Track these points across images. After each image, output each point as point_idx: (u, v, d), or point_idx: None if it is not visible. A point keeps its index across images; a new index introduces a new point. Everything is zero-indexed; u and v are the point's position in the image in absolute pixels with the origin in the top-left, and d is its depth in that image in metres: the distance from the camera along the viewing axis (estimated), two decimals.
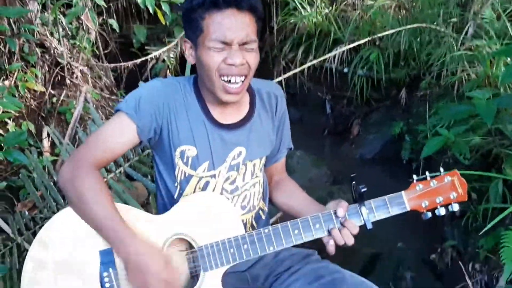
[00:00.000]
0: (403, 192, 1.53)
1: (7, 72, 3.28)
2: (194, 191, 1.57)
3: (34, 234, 2.50)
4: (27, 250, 2.46)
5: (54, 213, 2.57)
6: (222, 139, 1.56)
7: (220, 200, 1.55)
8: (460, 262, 2.81)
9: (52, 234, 1.43)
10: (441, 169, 1.57)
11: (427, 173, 1.57)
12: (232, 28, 1.40)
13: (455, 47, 4.03)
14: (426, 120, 4.16)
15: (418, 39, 4.61)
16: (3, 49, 3.29)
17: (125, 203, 2.47)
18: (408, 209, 1.52)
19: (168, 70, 5.41)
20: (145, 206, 3.32)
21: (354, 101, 5.23)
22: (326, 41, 5.45)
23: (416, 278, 2.74)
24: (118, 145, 1.51)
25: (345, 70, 5.20)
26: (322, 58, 4.33)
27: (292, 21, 5.67)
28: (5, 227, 2.73)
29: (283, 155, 1.80)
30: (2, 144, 2.43)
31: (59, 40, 3.73)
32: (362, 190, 1.51)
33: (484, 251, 2.47)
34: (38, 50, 3.50)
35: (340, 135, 5.24)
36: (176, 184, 1.57)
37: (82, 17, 3.74)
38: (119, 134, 1.50)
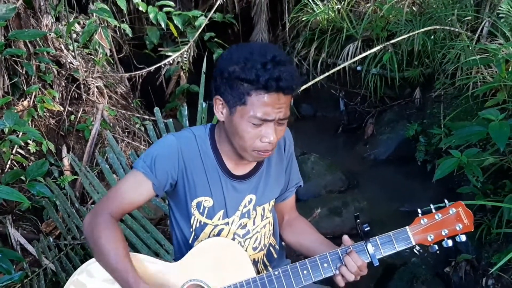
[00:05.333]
0: (407, 227, 1.56)
1: (25, 93, 3.36)
2: (209, 237, 1.64)
3: (59, 261, 2.62)
4: (52, 276, 2.59)
5: (76, 239, 2.68)
6: (235, 189, 1.63)
7: (230, 245, 1.61)
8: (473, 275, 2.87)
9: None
10: (446, 201, 1.59)
11: (431, 205, 1.59)
12: (275, 108, 1.43)
13: (469, 47, 3.99)
14: (440, 121, 4.16)
15: (432, 37, 4.56)
16: (20, 70, 3.36)
17: (143, 227, 2.59)
18: (414, 243, 1.55)
19: (182, 72, 5.46)
20: (164, 219, 3.42)
21: (368, 98, 5.21)
22: (339, 37, 5.41)
23: None
24: (136, 199, 1.59)
25: (358, 68, 5.16)
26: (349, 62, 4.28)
27: (304, 18, 5.62)
28: (31, 249, 2.85)
29: (291, 193, 1.84)
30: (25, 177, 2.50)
31: (73, 54, 3.79)
32: (366, 229, 1.56)
33: (497, 269, 2.50)
34: (54, 68, 3.55)
35: (354, 133, 5.24)
36: (191, 230, 1.65)
37: (96, 36, 3.78)
38: (136, 190, 1.57)
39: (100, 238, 1.50)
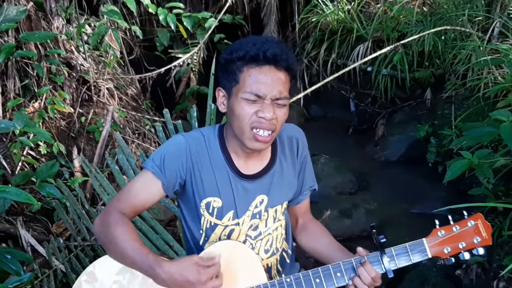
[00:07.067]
0: (424, 239, 1.53)
1: (36, 95, 3.38)
2: (220, 238, 1.63)
3: (69, 262, 2.63)
4: (62, 277, 2.61)
5: (86, 240, 2.70)
6: (245, 189, 1.61)
7: (242, 248, 1.60)
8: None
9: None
10: (465, 213, 1.55)
11: (449, 217, 1.55)
12: (268, 83, 1.43)
13: (480, 48, 3.96)
14: (451, 122, 4.13)
15: (443, 38, 4.53)
16: (31, 72, 3.39)
17: (152, 228, 2.59)
18: (430, 256, 1.52)
19: (192, 73, 5.47)
20: (174, 221, 3.43)
21: (378, 99, 5.19)
22: (349, 38, 5.40)
23: None
24: (146, 199, 1.58)
25: (369, 69, 5.14)
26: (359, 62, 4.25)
27: (314, 19, 5.60)
28: (41, 250, 2.86)
29: (306, 197, 1.81)
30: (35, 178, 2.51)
31: (84, 56, 3.81)
32: (382, 240, 1.52)
33: (508, 271, 2.46)
34: (64, 70, 3.58)
35: (365, 134, 5.22)
36: (201, 232, 1.64)
37: (106, 38, 3.80)
38: (146, 190, 1.57)
39: (113, 234, 1.49)
